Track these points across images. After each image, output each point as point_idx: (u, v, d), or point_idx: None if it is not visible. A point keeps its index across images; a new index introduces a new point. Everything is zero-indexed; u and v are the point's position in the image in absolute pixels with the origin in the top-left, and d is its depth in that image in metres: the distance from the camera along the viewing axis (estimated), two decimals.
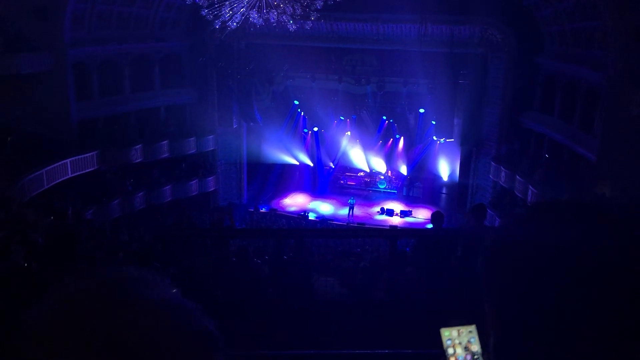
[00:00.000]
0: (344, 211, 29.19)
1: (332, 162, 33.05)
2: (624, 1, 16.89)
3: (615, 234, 0.96)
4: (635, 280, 0.90)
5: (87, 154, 22.62)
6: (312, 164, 32.88)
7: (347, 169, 33.13)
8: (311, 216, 28.63)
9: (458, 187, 28.51)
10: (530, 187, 21.27)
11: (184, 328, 0.88)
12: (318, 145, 32.75)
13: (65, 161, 21.28)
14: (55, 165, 20.66)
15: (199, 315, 0.92)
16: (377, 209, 29.79)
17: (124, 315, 0.84)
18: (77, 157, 22.01)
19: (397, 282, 7.44)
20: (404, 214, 28.98)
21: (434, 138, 28.42)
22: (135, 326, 0.83)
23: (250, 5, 14.04)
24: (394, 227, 24.42)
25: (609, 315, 0.90)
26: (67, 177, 21.40)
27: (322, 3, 14.10)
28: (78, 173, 22.04)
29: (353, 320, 6.61)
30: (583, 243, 0.94)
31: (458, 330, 1.45)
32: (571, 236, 0.95)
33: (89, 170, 22.71)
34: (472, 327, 1.44)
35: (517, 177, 22.67)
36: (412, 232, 17.02)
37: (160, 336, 0.84)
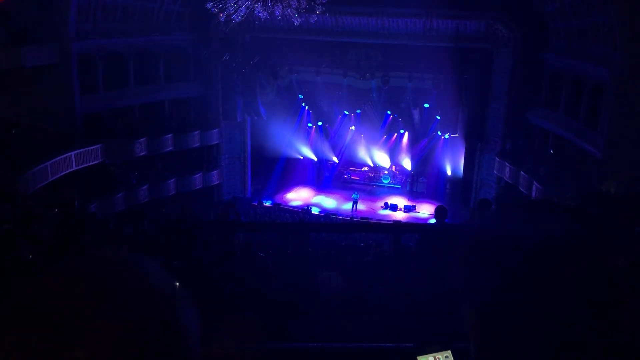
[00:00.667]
0: (348, 206, 29.19)
1: (336, 157, 33.04)
2: None
3: (578, 227, 1.00)
4: (595, 268, 0.95)
5: (92, 147, 22.64)
6: (316, 159, 32.88)
7: (351, 163, 33.12)
8: (314, 210, 28.64)
9: (462, 183, 28.47)
10: (535, 183, 21.22)
11: (156, 324, 0.86)
12: (322, 139, 32.75)
13: (69, 154, 21.32)
14: (59, 158, 20.68)
15: (181, 309, 0.90)
16: (381, 203, 29.78)
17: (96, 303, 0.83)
18: (81, 150, 22.04)
19: (401, 277, 7.44)
20: (407, 209, 28.97)
21: (439, 133, 28.37)
22: (101, 315, 0.82)
23: None
24: (397, 222, 24.43)
25: (570, 301, 0.93)
26: (72, 169, 21.44)
27: None
28: (82, 166, 22.07)
29: (356, 314, 6.62)
30: (545, 235, 0.98)
31: (434, 357, 1.45)
32: (535, 229, 0.99)
33: (94, 163, 22.75)
34: (448, 352, 1.45)
35: (522, 173, 22.61)
36: (415, 227, 17.01)
37: (124, 330, 0.82)
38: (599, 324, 0.92)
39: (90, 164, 22.55)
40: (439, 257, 6.75)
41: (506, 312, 0.96)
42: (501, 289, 0.96)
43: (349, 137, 32.42)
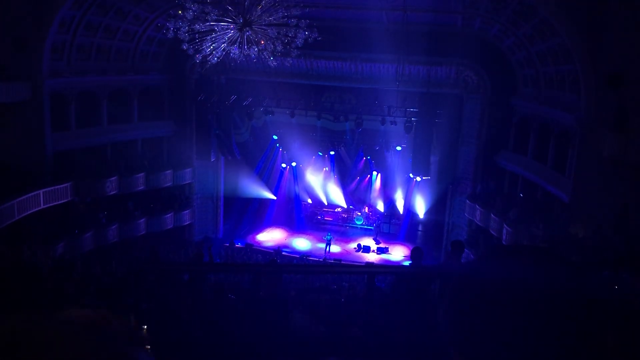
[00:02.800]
0: (321, 246, 29.05)
1: (310, 198, 33.05)
2: (594, 47, 17.50)
3: (561, 273, 1.03)
4: (578, 312, 0.97)
5: (61, 185, 22.21)
6: (289, 199, 32.83)
7: (324, 204, 33.13)
8: (286, 252, 28.37)
9: (434, 225, 28.67)
10: (505, 226, 21.48)
11: None
12: (296, 180, 32.80)
13: (37, 192, 20.86)
14: (27, 196, 20.22)
15: None
16: (354, 245, 29.74)
17: None
18: (50, 189, 21.60)
19: (374, 318, 7.36)
20: (380, 250, 28.96)
21: (411, 175, 28.68)
22: None
23: (231, 40, 14.19)
24: (370, 264, 24.34)
25: (554, 342, 0.95)
26: (39, 208, 20.94)
27: (302, 41, 14.29)
28: (50, 204, 21.58)
29: (330, 356, 6.50)
30: (531, 280, 1.01)
31: None
32: (522, 273, 1.02)
33: (62, 201, 22.27)
34: None
35: (492, 215, 22.91)
36: (390, 268, 16.97)
37: None
38: None
39: (59, 202, 22.06)
40: (418, 299, 6.72)
41: (496, 356, 0.95)
42: (491, 334, 0.96)
43: (322, 178, 32.54)
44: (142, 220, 25.50)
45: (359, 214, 32.58)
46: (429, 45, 22.79)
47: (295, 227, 32.17)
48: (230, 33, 13.91)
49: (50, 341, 0.83)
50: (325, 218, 33.04)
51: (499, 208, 22.91)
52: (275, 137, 31.28)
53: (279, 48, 14.32)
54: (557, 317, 0.94)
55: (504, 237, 21.53)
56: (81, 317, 0.91)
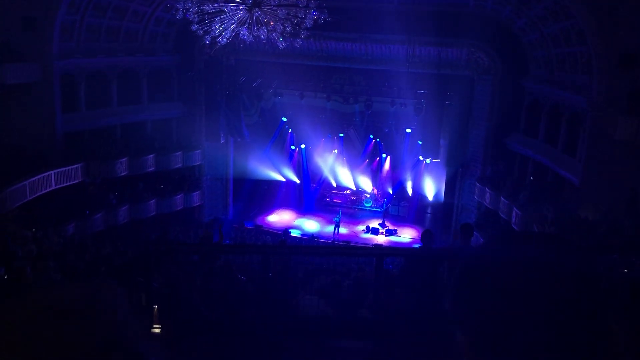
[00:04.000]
0: (330, 229, 29.14)
1: (319, 180, 33.07)
2: (608, 28, 17.24)
3: (571, 258, 1.04)
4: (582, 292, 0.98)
5: (72, 166, 22.37)
6: (298, 181, 32.87)
7: (333, 186, 33.15)
8: (295, 233, 28.49)
9: (443, 208, 28.63)
10: (515, 209, 21.42)
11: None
12: (305, 162, 32.79)
13: (49, 173, 21.03)
14: (38, 177, 20.40)
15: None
16: (363, 227, 29.78)
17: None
18: (61, 169, 21.76)
19: (383, 301, 7.41)
20: (389, 232, 29.00)
21: (420, 158, 28.59)
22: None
23: (240, 22, 14.10)
24: (378, 246, 24.40)
25: (561, 326, 0.96)
26: (51, 189, 21.14)
27: (312, 22, 14.18)
28: (62, 185, 21.76)
29: (337, 338, 6.56)
30: (539, 264, 1.02)
31: None
32: (531, 258, 1.03)
33: (73, 182, 22.45)
34: None
35: (502, 198, 22.83)
36: (400, 251, 17.02)
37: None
38: (591, 350, 0.93)
39: (70, 183, 22.24)
40: (427, 281, 6.75)
41: (501, 339, 0.96)
42: (496, 317, 0.97)
43: (331, 160, 32.52)
44: (152, 201, 25.67)
45: (368, 196, 32.58)
46: (440, 26, 22.50)
47: (304, 209, 32.26)
48: (240, 14, 13.82)
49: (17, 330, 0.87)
50: (334, 200, 33.08)
51: (508, 191, 22.82)
52: (284, 119, 31.21)
53: (289, 29, 14.22)
54: (564, 301, 0.95)
55: (513, 220, 21.47)
56: (61, 301, 0.94)
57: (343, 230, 29.08)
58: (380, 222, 29.80)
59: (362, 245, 26.41)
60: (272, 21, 14.14)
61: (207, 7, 13.65)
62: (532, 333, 0.94)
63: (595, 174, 18.32)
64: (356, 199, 32.87)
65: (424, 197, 30.42)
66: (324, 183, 33.12)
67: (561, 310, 0.95)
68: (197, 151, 28.01)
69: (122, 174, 24.56)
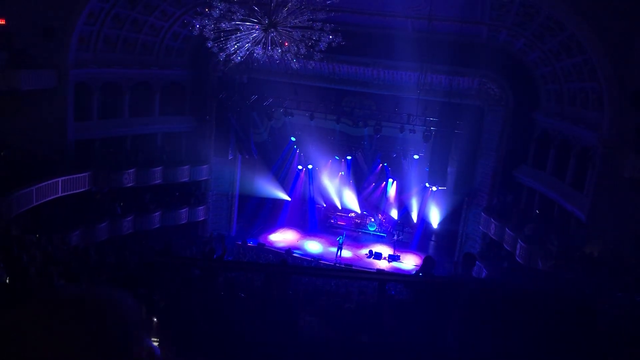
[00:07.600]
0: (333, 250, 29.02)
1: (324, 201, 33.05)
2: (621, 65, 17.30)
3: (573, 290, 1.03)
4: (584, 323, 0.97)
5: (80, 174, 22.49)
6: (303, 201, 32.86)
7: (338, 208, 33.11)
8: (297, 253, 28.35)
9: (447, 236, 28.48)
10: (520, 241, 21.27)
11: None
12: (311, 182, 32.83)
13: (56, 179, 21.14)
14: (46, 183, 20.50)
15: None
16: (366, 251, 29.65)
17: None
18: (69, 177, 21.87)
19: (384, 325, 7.35)
20: (392, 258, 28.84)
21: (427, 185, 28.55)
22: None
23: (256, 41, 14.25)
24: (381, 271, 24.24)
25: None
26: (57, 195, 21.22)
27: (326, 45, 14.31)
28: (68, 193, 21.86)
29: None
30: (542, 297, 1.01)
31: None
32: (533, 292, 1.03)
33: (80, 190, 22.55)
34: None
35: (507, 230, 22.69)
36: (401, 277, 16.91)
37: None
38: None
39: (77, 191, 22.34)
40: (428, 308, 6.69)
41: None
42: (503, 346, 0.98)
43: (337, 182, 32.54)
44: (157, 213, 25.72)
45: (372, 220, 32.50)
46: (453, 55, 22.66)
47: (308, 229, 32.19)
48: (255, 33, 13.98)
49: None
50: (339, 222, 33.00)
51: (514, 223, 22.69)
52: (293, 138, 31.35)
53: (303, 50, 14.35)
54: (565, 335, 0.96)
55: (517, 252, 21.32)
56: (47, 311, 0.94)
57: (346, 253, 28.96)
58: (392, 253, 29.33)
59: (364, 269, 26.26)
60: (287, 42, 14.28)
61: (223, 25, 13.82)
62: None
63: (602, 211, 18.21)
64: (360, 222, 32.79)
65: (429, 225, 30.30)
66: (328, 204, 33.09)
67: (562, 343, 0.95)
68: (205, 166, 28.12)
69: (129, 185, 24.67)
